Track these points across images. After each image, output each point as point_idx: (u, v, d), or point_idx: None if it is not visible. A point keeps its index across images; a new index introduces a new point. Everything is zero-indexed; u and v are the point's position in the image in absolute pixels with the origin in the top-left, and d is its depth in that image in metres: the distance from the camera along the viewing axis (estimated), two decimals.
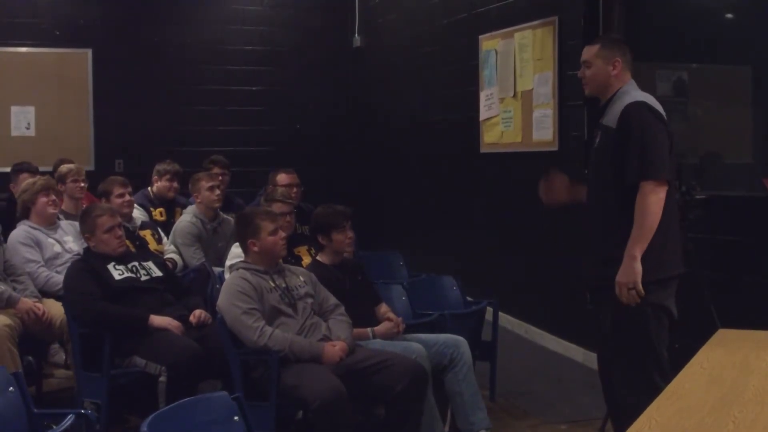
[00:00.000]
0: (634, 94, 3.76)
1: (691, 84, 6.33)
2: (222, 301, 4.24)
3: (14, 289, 4.95)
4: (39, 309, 4.89)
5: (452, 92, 7.97)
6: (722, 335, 3.49)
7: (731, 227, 5.05)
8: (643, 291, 3.60)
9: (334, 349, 4.14)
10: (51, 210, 5.50)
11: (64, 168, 6.37)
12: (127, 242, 5.12)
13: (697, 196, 4.46)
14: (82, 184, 6.33)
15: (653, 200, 3.59)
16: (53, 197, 5.52)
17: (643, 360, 3.71)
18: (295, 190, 6.34)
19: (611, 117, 3.75)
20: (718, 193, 5.06)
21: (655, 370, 3.68)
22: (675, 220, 3.81)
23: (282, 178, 6.48)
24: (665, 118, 3.71)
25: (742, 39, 5.88)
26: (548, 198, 4.19)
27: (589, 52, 3.89)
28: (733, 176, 5.90)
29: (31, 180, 5.74)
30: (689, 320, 4.05)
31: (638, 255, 3.60)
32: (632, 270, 3.60)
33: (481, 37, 7.36)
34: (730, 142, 6.12)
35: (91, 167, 8.71)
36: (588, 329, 5.71)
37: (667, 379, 3.62)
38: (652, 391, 3.58)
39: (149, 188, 6.84)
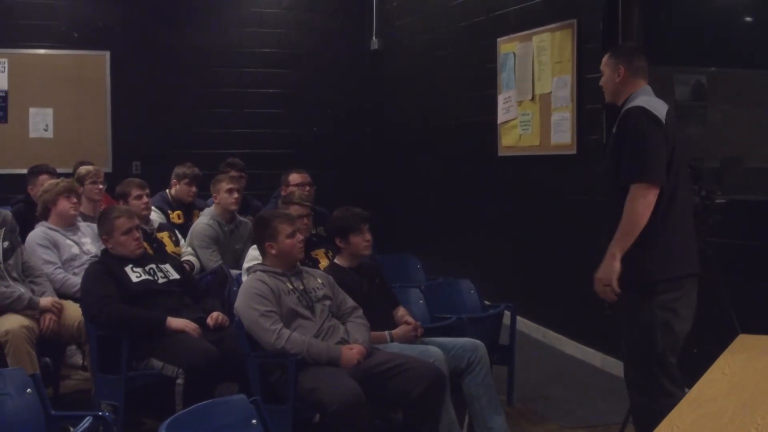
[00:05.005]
0: (639, 99, 3.80)
1: (710, 87, 6.29)
2: (239, 303, 4.23)
3: (32, 290, 4.97)
4: (59, 304, 4.92)
5: (470, 95, 7.95)
6: (743, 341, 3.47)
7: (751, 232, 5.01)
8: (618, 289, 3.66)
9: (352, 352, 4.12)
10: (73, 212, 5.52)
11: (82, 170, 6.39)
12: (145, 244, 5.13)
13: (717, 201, 4.43)
14: (101, 186, 6.34)
15: (640, 202, 3.64)
16: (75, 200, 5.53)
17: (649, 365, 3.71)
18: (308, 188, 6.37)
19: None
20: (738, 197, 5.03)
21: (662, 375, 3.69)
22: (683, 222, 3.80)
23: (294, 177, 6.50)
24: (663, 122, 3.71)
25: (762, 42, 5.84)
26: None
27: (602, 61, 4.01)
28: (753, 180, 5.86)
29: (53, 181, 5.76)
30: (709, 326, 4.02)
31: (617, 254, 3.66)
32: (609, 268, 3.68)
33: (499, 40, 7.35)
34: (749, 146, 6.08)
35: (109, 169, 8.75)
36: (606, 334, 5.69)
37: (677, 383, 3.64)
38: (663, 394, 3.61)
39: (167, 191, 6.84)
